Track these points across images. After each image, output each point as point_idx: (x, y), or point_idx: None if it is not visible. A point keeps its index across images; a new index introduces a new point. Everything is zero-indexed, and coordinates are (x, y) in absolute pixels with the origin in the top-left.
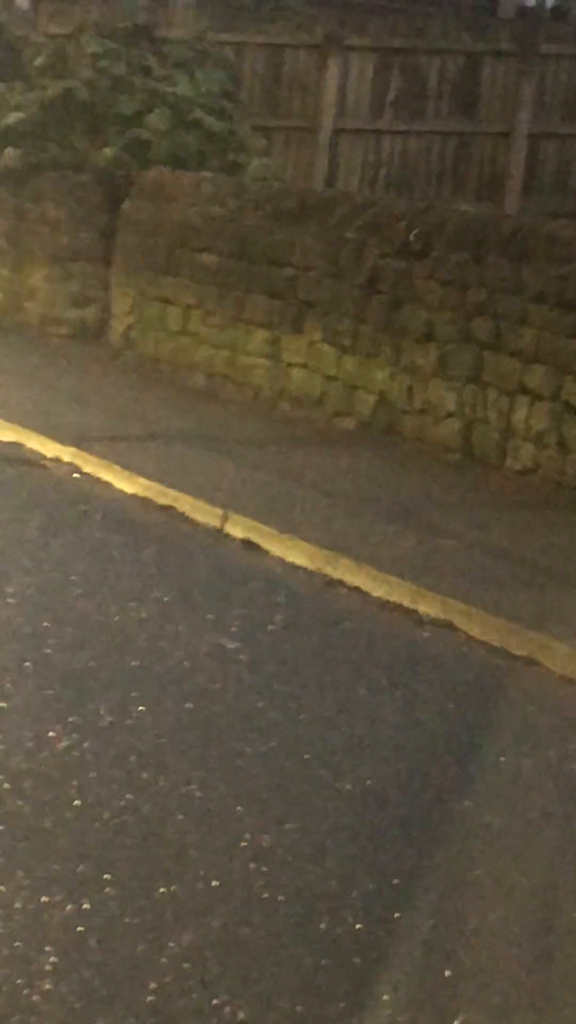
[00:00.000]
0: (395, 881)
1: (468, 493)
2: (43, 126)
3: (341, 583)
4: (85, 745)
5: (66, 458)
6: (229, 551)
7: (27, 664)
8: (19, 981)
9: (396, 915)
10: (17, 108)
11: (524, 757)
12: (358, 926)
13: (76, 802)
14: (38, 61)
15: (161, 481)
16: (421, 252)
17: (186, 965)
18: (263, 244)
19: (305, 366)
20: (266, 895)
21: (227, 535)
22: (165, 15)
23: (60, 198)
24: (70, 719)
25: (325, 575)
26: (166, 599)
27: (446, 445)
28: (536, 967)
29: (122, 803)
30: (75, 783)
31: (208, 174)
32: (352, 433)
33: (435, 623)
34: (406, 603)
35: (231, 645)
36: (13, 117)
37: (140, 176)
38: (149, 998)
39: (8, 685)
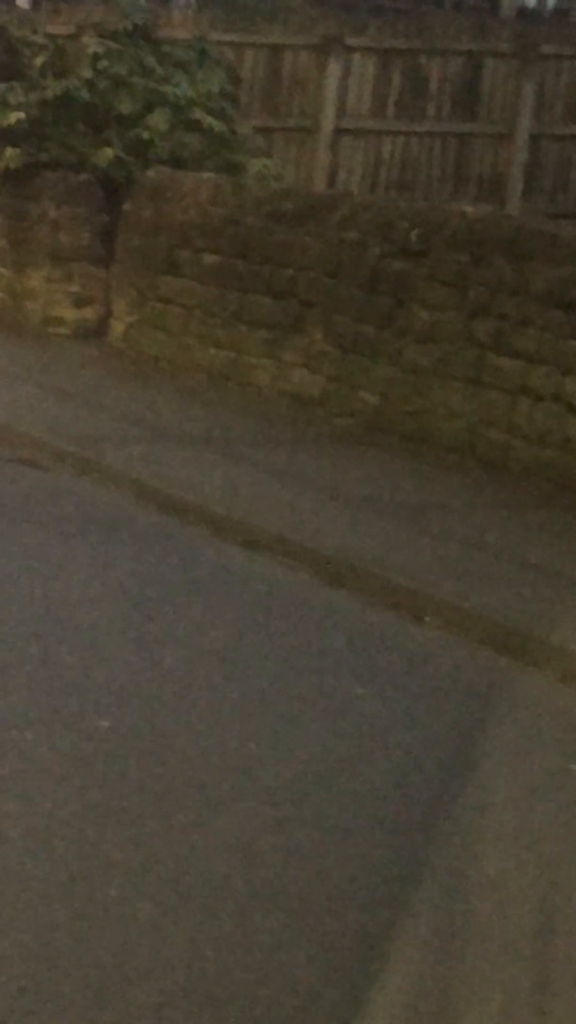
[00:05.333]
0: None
1: (470, 494)
2: (43, 126)
3: (342, 584)
4: None
5: (66, 459)
6: (227, 552)
7: None
8: None
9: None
10: (17, 108)
11: None
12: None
13: None
14: (38, 61)
15: (159, 482)
16: (422, 252)
17: None
18: (264, 244)
19: (306, 366)
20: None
21: (228, 536)
22: (165, 15)
23: (60, 198)
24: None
25: (325, 576)
26: (161, 598)
27: (448, 446)
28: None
29: None
30: None
31: (208, 174)
32: (353, 433)
33: (437, 624)
34: (406, 604)
35: (222, 644)
36: (13, 117)
37: (140, 176)
38: None
39: None
